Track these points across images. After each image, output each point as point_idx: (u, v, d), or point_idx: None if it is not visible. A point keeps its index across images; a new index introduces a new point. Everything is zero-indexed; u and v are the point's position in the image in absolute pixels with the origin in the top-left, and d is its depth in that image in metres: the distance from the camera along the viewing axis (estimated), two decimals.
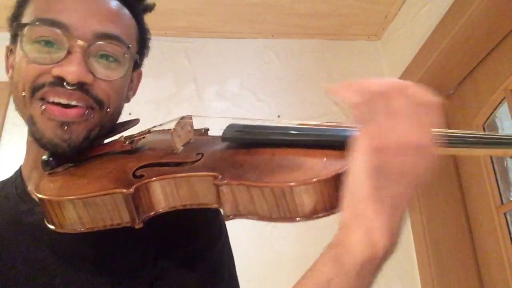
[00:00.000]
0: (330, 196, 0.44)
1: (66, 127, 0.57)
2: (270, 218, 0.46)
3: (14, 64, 0.61)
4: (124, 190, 0.50)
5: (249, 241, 1.58)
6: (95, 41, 0.58)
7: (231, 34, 1.94)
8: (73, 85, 0.56)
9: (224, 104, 1.84)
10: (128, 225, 0.51)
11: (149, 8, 0.72)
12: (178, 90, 1.85)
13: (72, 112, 0.57)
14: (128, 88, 0.68)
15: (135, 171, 0.54)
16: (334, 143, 0.49)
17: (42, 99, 0.57)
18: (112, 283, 0.57)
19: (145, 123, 0.69)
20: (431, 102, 0.42)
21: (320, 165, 0.47)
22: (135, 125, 0.67)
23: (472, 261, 1.48)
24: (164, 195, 0.52)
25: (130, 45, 0.62)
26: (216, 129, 0.69)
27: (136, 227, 0.51)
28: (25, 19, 0.61)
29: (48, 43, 0.57)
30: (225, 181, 0.47)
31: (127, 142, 0.61)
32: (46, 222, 0.54)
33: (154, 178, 0.51)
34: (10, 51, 0.66)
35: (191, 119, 0.64)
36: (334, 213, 0.45)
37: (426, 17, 1.57)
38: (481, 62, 1.46)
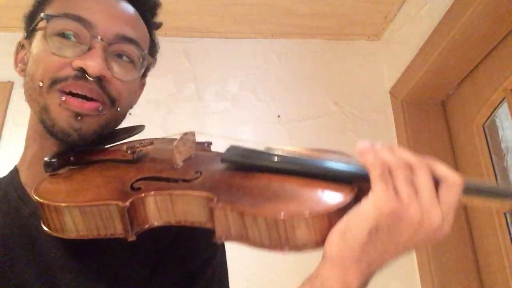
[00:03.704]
0: (321, 231, 0.45)
1: (79, 118, 0.59)
2: (261, 245, 0.46)
3: (31, 56, 0.63)
4: (121, 203, 0.49)
5: None
6: (115, 41, 0.61)
7: (231, 34, 1.94)
8: (93, 78, 0.58)
9: (224, 104, 1.84)
10: (121, 236, 0.51)
11: (158, 26, 0.75)
12: (178, 90, 1.85)
13: (88, 105, 0.59)
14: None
15: (133, 183, 0.54)
16: (334, 176, 0.49)
17: (61, 91, 0.58)
18: None
19: (145, 123, 0.69)
20: (454, 182, 0.44)
21: (316, 197, 0.47)
22: (140, 131, 0.68)
23: (472, 261, 1.48)
24: (159, 210, 0.51)
25: (145, 51, 0.66)
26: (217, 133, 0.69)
27: (129, 239, 0.50)
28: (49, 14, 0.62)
29: (70, 36, 0.59)
30: (220, 205, 0.47)
31: (128, 152, 0.61)
32: (42, 224, 0.54)
33: (151, 193, 0.51)
34: (21, 47, 0.68)
35: (194, 135, 0.64)
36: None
37: (426, 17, 1.57)
38: (481, 62, 1.46)
